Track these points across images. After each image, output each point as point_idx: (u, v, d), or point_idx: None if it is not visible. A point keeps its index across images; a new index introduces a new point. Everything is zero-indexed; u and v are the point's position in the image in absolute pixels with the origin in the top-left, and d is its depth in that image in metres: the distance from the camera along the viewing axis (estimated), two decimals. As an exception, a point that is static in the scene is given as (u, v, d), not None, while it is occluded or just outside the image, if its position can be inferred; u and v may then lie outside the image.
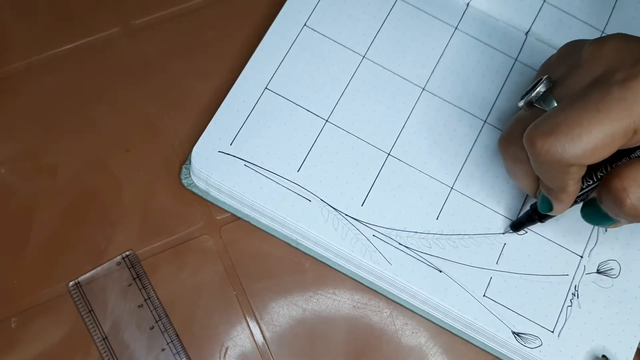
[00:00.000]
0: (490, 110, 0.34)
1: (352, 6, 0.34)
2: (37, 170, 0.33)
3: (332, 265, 0.32)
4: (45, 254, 0.32)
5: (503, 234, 0.32)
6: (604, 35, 0.35)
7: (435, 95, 0.34)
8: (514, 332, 0.31)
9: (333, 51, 0.34)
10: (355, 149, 0.32)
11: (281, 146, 0.32)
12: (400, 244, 0.31)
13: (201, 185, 0.32)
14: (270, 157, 0.32)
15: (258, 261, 0.32)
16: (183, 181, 0.33)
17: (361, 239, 0.31)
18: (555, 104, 0.26)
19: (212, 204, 0.33)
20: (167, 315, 0.31)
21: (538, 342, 0.30)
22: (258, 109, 0.32)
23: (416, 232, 0.32)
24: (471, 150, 0.33)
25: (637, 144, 0.24)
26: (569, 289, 0.31)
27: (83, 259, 0.32)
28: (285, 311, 0.32)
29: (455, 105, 0.34)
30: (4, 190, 0.32)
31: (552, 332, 0.31)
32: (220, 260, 0.32)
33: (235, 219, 0.33)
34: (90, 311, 0.31)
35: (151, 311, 0.31)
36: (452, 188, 0.32)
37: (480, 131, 0.33)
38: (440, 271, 0.31)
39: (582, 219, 0.28)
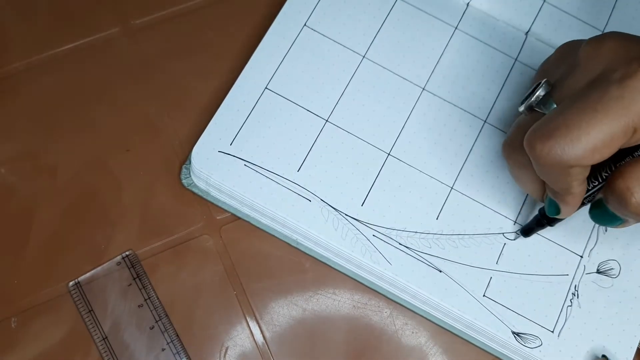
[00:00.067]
0: (490, 110, 0.34)
1: (352, 6, 0.34)
2: (37, 170, 0.33)
3: (332, 265, 0.32)
4: (45, 254, 0.32)
5: (513, 239, 0.32)
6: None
7: (435, 95, 0.34)
8: (514, 332, 0.31)
9: (333, 51, 0.34)
10: (355, 149, 0.32)
11: (281, 146, 0.32)
12: (400, 243, 0.31)
13: (201, 185, 0.32)
14: (270, 157, 0.32)
15: (258, 261, 0.32)
16: (183, 181, 0.33)
17: (361, 239, 0.31)
18: (555, 107, 0.26)
19: (212, 204, 0.33)
20: (167, 315, 0.31)
21: (538, 342, 0.30)
22: (258, 108, 0.32)
23: (416, 232, 0.32)
24: (471, 150, 0.33)
25: (639, 143, 0.23)
26: (569, 288, 0.31)
27: (83, 259, 0.32)
28: (285, 311, 0.32)
29: (455, 105, 0.34)
30: (4, 190, 0.32)
31: (552, 332, 0.31)
32: (220, 260, 0.32)
33: (235, 219, 0.33)
34: (90, 311, 0.31)
35: (151, 311, 0.31)
36: (452, 188, 0.32)
37: (480, 131, 0.33)
38: (440, 271, 0.31)
39: (582, 219, 0.28)
